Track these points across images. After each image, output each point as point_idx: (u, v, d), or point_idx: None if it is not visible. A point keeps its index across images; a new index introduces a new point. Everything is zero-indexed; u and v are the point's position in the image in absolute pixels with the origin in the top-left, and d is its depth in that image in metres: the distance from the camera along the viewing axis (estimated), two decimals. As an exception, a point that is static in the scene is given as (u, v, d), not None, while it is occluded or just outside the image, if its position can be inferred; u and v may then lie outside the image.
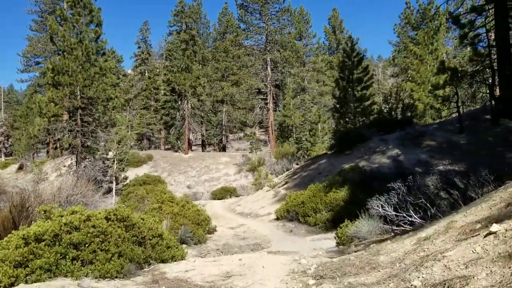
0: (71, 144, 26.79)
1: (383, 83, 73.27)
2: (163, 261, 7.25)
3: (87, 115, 26.92)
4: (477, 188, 8.81)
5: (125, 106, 54.67)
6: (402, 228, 8.28)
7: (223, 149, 52.76)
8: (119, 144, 26.84)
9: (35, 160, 44.46)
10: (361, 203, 11.50)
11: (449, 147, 17.85)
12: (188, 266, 6.93)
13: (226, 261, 7.23)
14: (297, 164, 31.61)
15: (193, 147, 52.77)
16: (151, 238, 7.21)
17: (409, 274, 4.09)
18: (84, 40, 25.95)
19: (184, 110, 46.23)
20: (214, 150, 55.17)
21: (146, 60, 67.09)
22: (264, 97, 50.33)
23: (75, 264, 6.01)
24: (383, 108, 38.03)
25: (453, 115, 23.33)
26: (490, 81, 19.76)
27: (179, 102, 48.33)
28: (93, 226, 6.47)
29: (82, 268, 6.05)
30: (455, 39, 36.82)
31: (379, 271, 4.77)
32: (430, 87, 26.26)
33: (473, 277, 3.32)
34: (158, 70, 63.13)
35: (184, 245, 10.55)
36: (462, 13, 21.59)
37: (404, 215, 8.43)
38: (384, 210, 8.77)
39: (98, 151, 28.22)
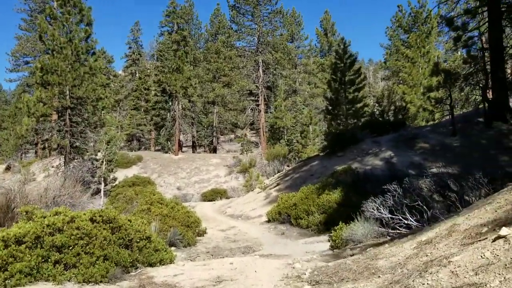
0: (59, 145, 26.31)
1: (374, 86, 73.59)
2: (151, 264, 6.97)
3: (76, 115, 26.46)
4: (475, 190, 8.63)
5: (115, 106, 54.15)
6: (398, 231, 8.06)
7: (214, 150, 52.42)
8: (108, 145, 26.44)
9: (22, 161, 43.86)
10: (354, 205, 11.31)
11: (442, 150, 17.72)
12: (177, 270, 6.65)
13: (216, 265, 6.96)
14: (288, 166, 31.39)
15: (184, 148, 52.39)
16: (138, 240, 6.92)
17: (413, 281, 3.83)
18: (74, 39, 25.49)
19: (174, 111, 45.84)
20: (204, 151, 54.76)
21: (137, 61, 66.55)
22: (256, 99, 50.15)
23: (57, 268, 5.74)
24: (375, 110, 37.95)
25: (446, 118, 23.24)
26: (483, 83, 19.67)
27: (170, 103, 47.95)
28: (77, 228, 6.18)
29: (65, 272, 5.77)
30: (446, 43, 36.88)
31: (379, 276, 4.51)
32: (422, 90, 26.16)
33: (485, 285, 3.07)
34: (149, 71, 62.62)
35: (173, 248, 10.28)
36: (454, 16, 21.51)
37: (400, 217, 8.23)
38: (380, 212, 8.56)
39: (87, 151, 27.78)
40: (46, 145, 36.03)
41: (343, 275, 5.06)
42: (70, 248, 5.97)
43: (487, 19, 19.38)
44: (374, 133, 22.41)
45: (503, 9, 19.01)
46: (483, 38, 20.19)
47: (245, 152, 43.18)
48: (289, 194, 16.51)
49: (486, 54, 19.79)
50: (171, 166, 40.38)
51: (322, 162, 21.63)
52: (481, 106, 20.23)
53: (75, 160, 26.55)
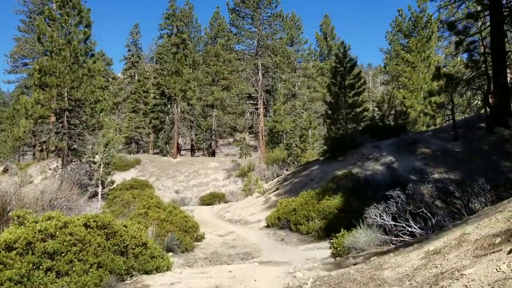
0: (57, 147, 26.13)
1: (373, 91, 73.62)
2: (147, 272, 6.73)
3: (74, 117, 26.29)
4: (479, 197, 8.42)
5: (113, 109, 53.96)
6: (401, 238, 7.84)
7: (213, 154, 52.18)
8: (106, 147, 26.21)
9: (20, 163, 43.60)
10: (355, 211, 11.11)
11: (444, 155, 17.51)
12: (173, 278, 6.41)
13: (215, 273, 6.73)
14: (287, 170, 31.17)
15: (182, 152, 52.12)
16: (134, 247, 6.69)
17: (423, 294, 3.62)
18: (72, 41, 25.35)
19: (173, 114, 45.66)
20: (203, 155, 54.53)
21: (136, 63, 66.40)
22: (255, 102, 49.97)
23: (49, 276, 5.51)
24: (375, 114, 37.79)
25: (447, 123, 23.04)
26: (485, 88, 19.50)
27: (169, 106, 47.80)
28: (70, 234, 5.96)
29: (57, 280, 5.54)
30: (446, 48, 36.82)
31: (386, 289, 4.29)
32: (423, 94, 26.01)
33: (504, 302, 2.86)
34: (148, 74, 62.45)
35: (170, 253, 10.06)
36: (456, 20, 21.36)
37: (404, 225, 8.02)
38: (382, 219, 8.34)
39: (85, 154, 27.59)
40: (44, 147, 35.87)
41: (347, 286, 4.84)
42: (63, 255, 5.74)
43: (489, 23, 19.22)
44: (375, 137, 22.18)
45: (505, 13, 18.83)
46: (485, 43, 20.03)
47: (244, 156, 42.96)
48: (288, 199, 16.28)
49: (488, 58, 19.62)
50: (169, 169, 40.15)
51: (322, 166, 21.41)
52: (482, 111, 20.04)
53: (73, 162, 26.37)
